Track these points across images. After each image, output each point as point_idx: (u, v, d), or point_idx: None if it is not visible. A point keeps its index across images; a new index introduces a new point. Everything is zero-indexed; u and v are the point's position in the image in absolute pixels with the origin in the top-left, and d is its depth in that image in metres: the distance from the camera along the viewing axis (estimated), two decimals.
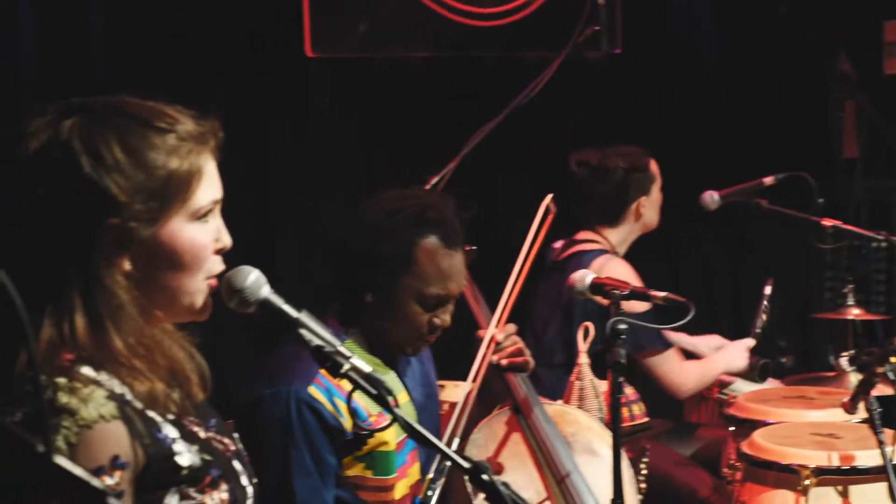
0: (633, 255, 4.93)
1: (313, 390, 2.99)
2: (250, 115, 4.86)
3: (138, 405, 1.97)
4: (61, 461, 1.25)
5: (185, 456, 2.01)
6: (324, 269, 4.92)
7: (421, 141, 5.29)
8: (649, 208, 4.92)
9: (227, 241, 2.12)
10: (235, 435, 2.23)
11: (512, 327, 3.41)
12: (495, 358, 3.35)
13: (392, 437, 3.13)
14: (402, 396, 3.22)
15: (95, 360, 1.95)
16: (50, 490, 1.24)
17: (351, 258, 3.16)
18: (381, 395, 2.02)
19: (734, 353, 5.00)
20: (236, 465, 2.13)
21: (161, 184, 2.00)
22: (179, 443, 2.01)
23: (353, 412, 3.00)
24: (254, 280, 2.08)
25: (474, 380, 3.29)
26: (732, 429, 4.36)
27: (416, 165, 4.84)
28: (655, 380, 4.74)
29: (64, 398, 1.89)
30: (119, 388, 1.96)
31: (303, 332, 2.05)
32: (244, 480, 2.14)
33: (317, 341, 2.04)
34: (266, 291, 2.09)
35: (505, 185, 5.59)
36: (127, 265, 2.00)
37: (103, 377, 1.95)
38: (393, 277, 3.12)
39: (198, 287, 2.07)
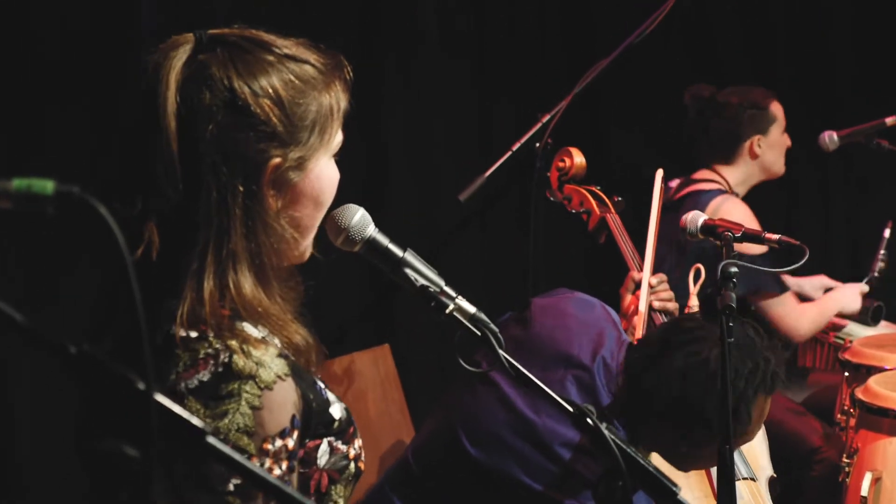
0: (749, 196, 4.86)
1: None
2: (361, 49, 4.83)
3: (293, 358, 1.93)
4: (161, 399, 1.25)
5: (336, 407, 1.98)
6: (433, 209, 4.98)
7: (533, 77, 5.23)
8: (767, 150, 4.86)
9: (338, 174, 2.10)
10: None
11: (663, 276, 3.68)
12: (650, 298, 3.57)
13: None
14: None
15: (252, 315, 1.90)
16: (151, 427, 1.24)
17: (682, 401, 2.88)
18: (486, 337, 2.00)
19: (848, 295, 4.95)
20: None
21: (316, 120, 1.96)
22: (330, 393, 1.99)
23: None
24: (360, 218, 2.06)
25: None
26: (847, 374, 4.29)
27: (528, 102, 4.80)
28: (770, 323, 4.69)
29: (240, 362, 1.83)
30: (279, 341, 1.92)
31: (407, 271, 2.03)
32: None
33: (421, 281, 2.03)
34: (372, 230, 2.07)
35: (617, 125, 5.51)
36: (279, 204, 1.96)
37: (264, 332, 1.91)
38: (713, 426, 2.85)
39: (316, 228, 2.06)
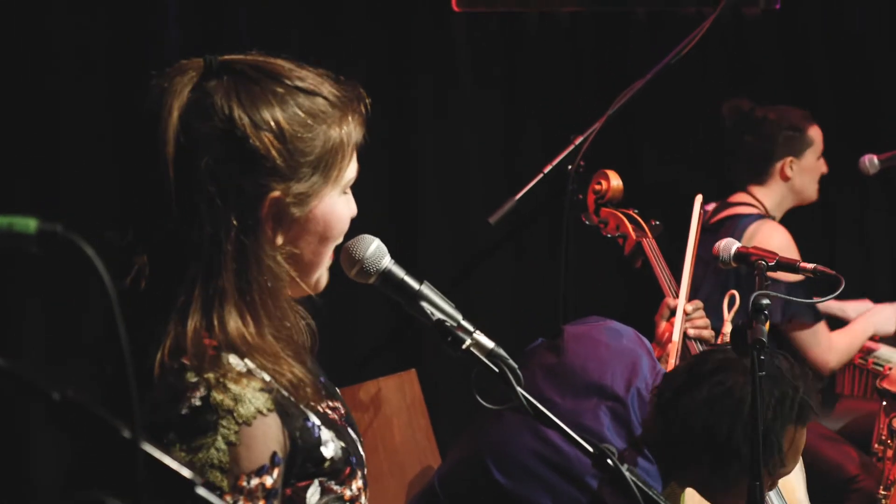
0: (787, 220, 4.79)
1: None
2: (392, 72, 4.80)
3: (285, 393, 1.88)
4: (149, 448, 1.19)
5: (330, 446, 1.93)
6: (465, 233, 4.94)
7: (567, 99, 5.18)
8: (799, 174, 4.78)
9: (355, 209, 2.04)
10: (338, 391, 2.15)
11: (699, 303, 3.62)
12: (685, 326, 3.52)
13: None
14: None
15: (237, 349, 1.85)
16: (138, 478, 1.18)
17: (709, 432, 2.83)
18: (504, 373, 1.95)
19: (883, 317, 4.86)
20: (352, 433, 2.05)
21: (321, 155, 1.91)
22: (325, 431, 1.93)
23: None
24: (375, 249, 2.01)
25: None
26: (885, 403, 4.20)
27: (562, 124, 4.75)
28: (800, 351, 4.60)
29: (218, 396, 1.79)
30: (267, 376, 1.86)
31: (423, 304, 1.99)
32: (360, 448, 2.07)
33: (438, 315, 1.98)
34: (387, 262, 2.01)
35: (653, 148, 5.44)
36: (280, 240, 1.92)
37: (250, 365, 1.85)
38: (744, 458, 2.79)
39: (328, 260, 2.01)
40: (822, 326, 4.63)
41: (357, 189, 2.03)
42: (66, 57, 4.12)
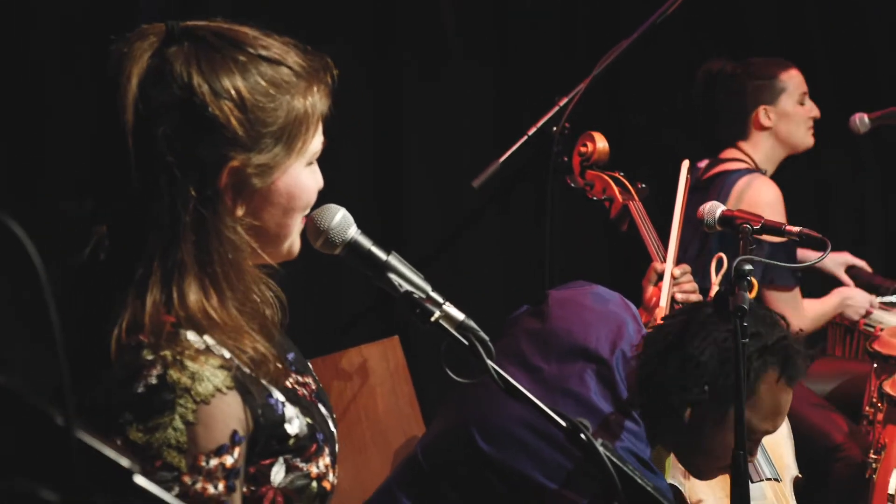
0: (777, 182, 4.72)
1: None
2: (378, 35, 4.72)
3: (246, 370, 1.84)
4: (84, 436, 1.14)
5: (294, 423, 1.90)
6: (451, 197, 4.87)
7: (552, 59, 5.11)
8: (779, 120, 4.69)
9: (321, 181, 2.00)
10: (310, 365, 2.12)
11: (687, 267, 3.58)
12: (672, 290, 3.49)
13: None
14: None
15: (197, 325, 1.81)
16: (72, 466, 1.13)
17: (684, 371, 2.85)
18: (474, 346, 1.92)
19: (857, 301, 4.80)
20: (322, 409, 2.03)
21: (284, 126, 1.87)
22: (289, 407, 1.90)
23: None
24: (340, 219, 1.98)
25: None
26: (876, 365, 4.15)
27: (547, 85, 4.68)
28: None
29: (175, 374, 1.76)
30: (227, 352, 1.83)
31: (391, 276, 1.95)
32: (331, 425, 2.04)
33: (406, 286, 1.94)
34: (353, 232, 1.98)
35: (639, 109, 5.37)
36: (240, 211, 1.88)
37: (210, 341, 1.82)
38: (724, 402, 2.81)
39: (298, 228, 1.97)
40: (797, 292, 4.57)
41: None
42: (49, 30, 4.04)
